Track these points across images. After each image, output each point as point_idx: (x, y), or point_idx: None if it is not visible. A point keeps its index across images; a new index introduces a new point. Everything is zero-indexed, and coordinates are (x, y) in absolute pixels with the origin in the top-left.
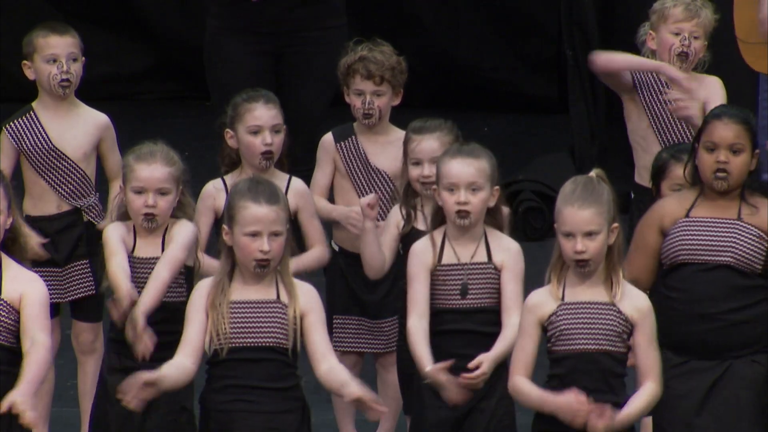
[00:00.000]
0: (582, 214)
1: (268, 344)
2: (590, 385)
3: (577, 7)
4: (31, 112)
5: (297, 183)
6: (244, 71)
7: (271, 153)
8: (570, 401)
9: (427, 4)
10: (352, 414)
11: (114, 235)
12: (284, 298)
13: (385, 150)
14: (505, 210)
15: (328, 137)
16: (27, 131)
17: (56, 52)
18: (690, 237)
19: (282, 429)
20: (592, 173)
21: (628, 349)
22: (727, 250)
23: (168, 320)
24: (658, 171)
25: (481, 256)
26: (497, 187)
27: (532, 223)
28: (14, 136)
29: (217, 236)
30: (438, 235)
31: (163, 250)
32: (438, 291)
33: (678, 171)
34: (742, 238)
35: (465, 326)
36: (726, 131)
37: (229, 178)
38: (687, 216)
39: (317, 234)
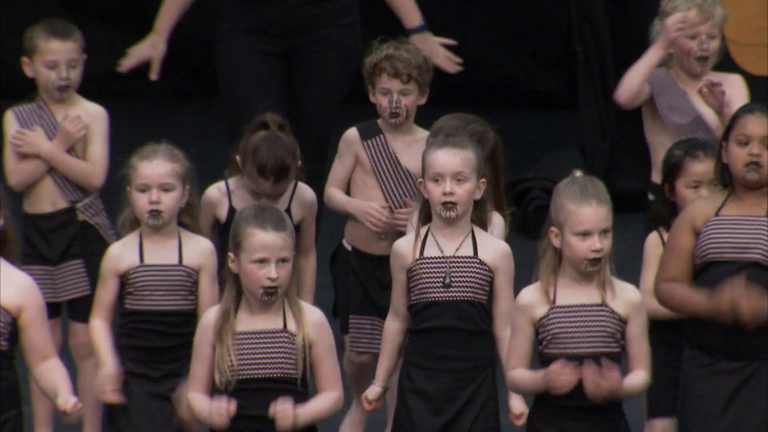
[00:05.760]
0: (601, 211)
1: (275, 375)
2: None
3: (586, 3)
4: (40, 102)
5: (304, 191)
6: (253, 72)
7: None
8: (555, 366)
9: (437, 1)
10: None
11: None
12: (291, 326)
13: (411, 149)
14: (498, 217)
15: (353, 132)
16: (36, 117)
17: (56, 59)
18: (718, 235)
19: None
20: (578, 173)
21: (622, 349)
22: (756, 248)
23: (179, 324)
24: (672, 168)
25: (467, 251)
26: (483, 180)
27: (542, 221)
28: (21, 122)
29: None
30: (423, 228)
31: (179, 260)
32: (420, 284)
33: (694, 167)
34: None
35: (446, 322)
36: (760, 125)
37: (233, 182)
38: (717, 215)
39: (310, 240)
